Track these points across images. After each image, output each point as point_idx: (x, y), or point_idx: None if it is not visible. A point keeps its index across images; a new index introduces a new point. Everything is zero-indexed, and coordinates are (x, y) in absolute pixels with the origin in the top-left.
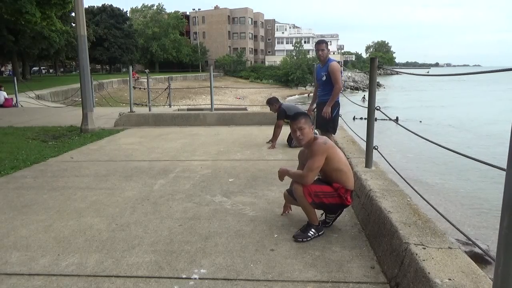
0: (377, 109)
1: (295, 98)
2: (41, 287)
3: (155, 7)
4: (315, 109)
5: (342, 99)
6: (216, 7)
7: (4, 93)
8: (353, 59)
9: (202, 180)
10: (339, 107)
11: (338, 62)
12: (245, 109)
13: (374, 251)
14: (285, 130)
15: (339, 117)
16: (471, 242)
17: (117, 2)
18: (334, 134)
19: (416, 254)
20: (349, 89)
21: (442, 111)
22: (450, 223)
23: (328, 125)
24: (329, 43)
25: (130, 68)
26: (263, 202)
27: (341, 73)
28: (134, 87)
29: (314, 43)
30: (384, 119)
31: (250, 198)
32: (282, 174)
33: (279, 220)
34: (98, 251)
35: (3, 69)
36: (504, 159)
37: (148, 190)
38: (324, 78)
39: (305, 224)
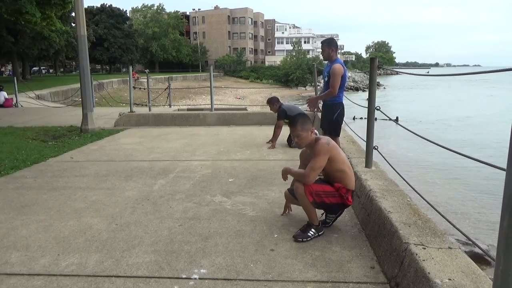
0: (377, 109)
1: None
2: (41, 287)
3: (155, 7)
4: (316, 110)
5: (343, 100)
6: (216, 7)
7: (4, 93)
8: (353, 59)
9: (202, 180)
10: (342, 110)
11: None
12: (245, 109)
13: (374, 251)
14: (285, 130)
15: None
16: (471, 242)
17: (117, 2)
18: (338, 136)
19: (416, 254)
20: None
21: (442, 110)
22: (450, 223)
23: (331, 127)
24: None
25: (130, 68)
26: (263, 202)
27: (344, 77)
28: (134, 87)
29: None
30: (384, 119)
31: (250, 198)
32: (285, 173)
33: (279, 220)
34: (98, 251)
35: (3, 69)
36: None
37: (148, 190)
38: (326, 78)
39: (305, 224)
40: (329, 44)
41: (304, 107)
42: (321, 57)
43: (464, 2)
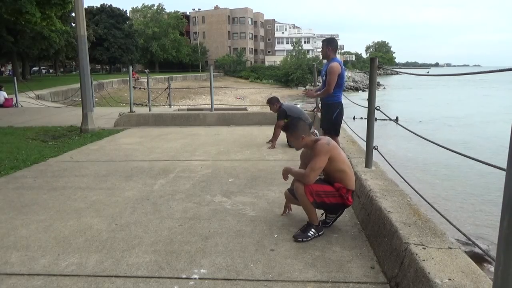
0: (377, 109)
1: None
2: (41, 287)
3: (155, 7)
4: (315, 110)
5: (342, 100)
6: (216, 7)
7: (4, 93)
8: (353, 59)
9: (202, 180)
10: (341, 109)
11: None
12: (245, 109)
13: (374, 251)
14: None
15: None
16: (471, 242)
17: (117, 2)
18: (337, 135)
19: (416, 254)
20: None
21: (441, 110)
22: (450, 223)
23: (330, 127)
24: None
25: (130, 68)
26: (263, 202)
27: (341, 76)
28: (134, 87)
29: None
30: (384, 119)
31: (250, 198)
32: (285, 172)
33: (279, 220)
34: (98, 251)
35: (3, 69)
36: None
37: (148, 190)
38: (324, 77)
39: (305, 224)
40: (328, 43)
41: (303, 106)
42: (321, 56)
43: (463, 2)
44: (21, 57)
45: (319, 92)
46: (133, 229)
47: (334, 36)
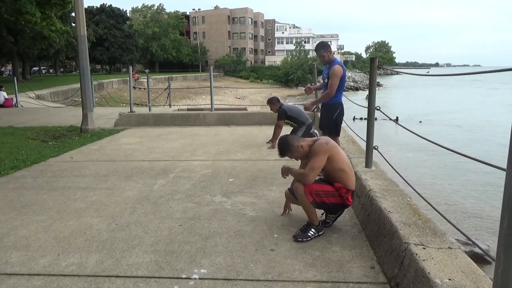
0: (377, 109)
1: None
2: (41, 287)
3: (155, 7)
4: (315, 110)
5: (342, 99)
6: (216, 7)
7: (4, 93)
8: (353, 59)
9: (202, 180)
10: (342, 109)
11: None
12: (245, 109)
13: (374, 251)
14: (285, 130)
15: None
16: (471, 242)
17: (117, 2)
18: (338, 136)
19: (416, 254)
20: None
21: (441, 110)
22: (450, 223)
23: (331, 127)
24: (329, 43)
25: (130, 68)
26: (263, 202)
27: (343, 78)
28: (134, 87)
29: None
30: (384, 119)
31: (250, 198)
32: (284, 171)
33: (279, 220)
34: (98, 251)
35: (3, 69)
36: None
37: (148, 190)
38: (326, 80)
39: (305, 224)
40: (324, 47)
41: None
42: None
43: (464, 2)
44: (21, 57)
45: (318, 99)
46: (133, 229)
47: (334, 36)
